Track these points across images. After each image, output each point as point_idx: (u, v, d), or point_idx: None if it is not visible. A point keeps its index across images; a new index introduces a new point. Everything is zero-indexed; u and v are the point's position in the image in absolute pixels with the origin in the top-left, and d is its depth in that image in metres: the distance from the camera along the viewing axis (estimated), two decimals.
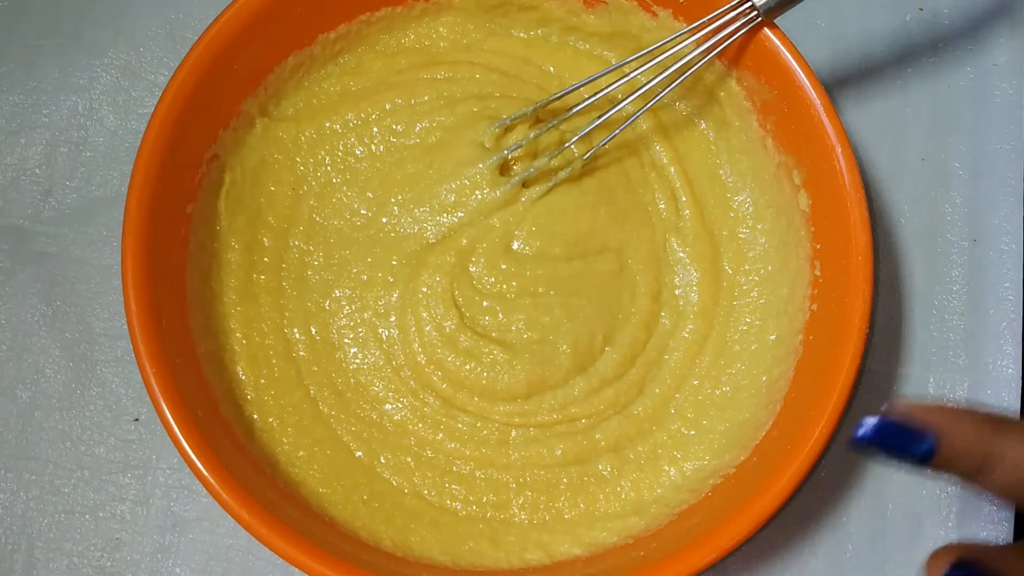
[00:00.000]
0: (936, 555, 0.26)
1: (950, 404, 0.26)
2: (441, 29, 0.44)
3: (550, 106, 0.42)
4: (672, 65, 0.39)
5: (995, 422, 0.26)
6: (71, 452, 0.42)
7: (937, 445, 0.25)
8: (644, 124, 0.43)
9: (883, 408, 0.26)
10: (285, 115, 0.43)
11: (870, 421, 0.25)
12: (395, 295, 0.41)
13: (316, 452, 0.40)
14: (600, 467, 0.40)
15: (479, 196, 0.42)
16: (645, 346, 0.42)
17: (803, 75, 0.39)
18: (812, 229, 0.40)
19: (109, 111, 0.46)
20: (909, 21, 0.47)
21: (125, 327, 0.37)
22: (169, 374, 0.36)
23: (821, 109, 0.38)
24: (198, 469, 0.35)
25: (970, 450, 0.25)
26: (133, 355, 0.36)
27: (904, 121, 0.46)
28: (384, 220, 0.43)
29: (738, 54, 0.41)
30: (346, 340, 0.42)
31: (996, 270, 0.44)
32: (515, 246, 0.42)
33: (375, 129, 0.43)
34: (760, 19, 0.38)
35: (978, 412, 0.26)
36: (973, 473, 0.25)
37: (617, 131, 0.41)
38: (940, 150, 0.46)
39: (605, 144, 0.42)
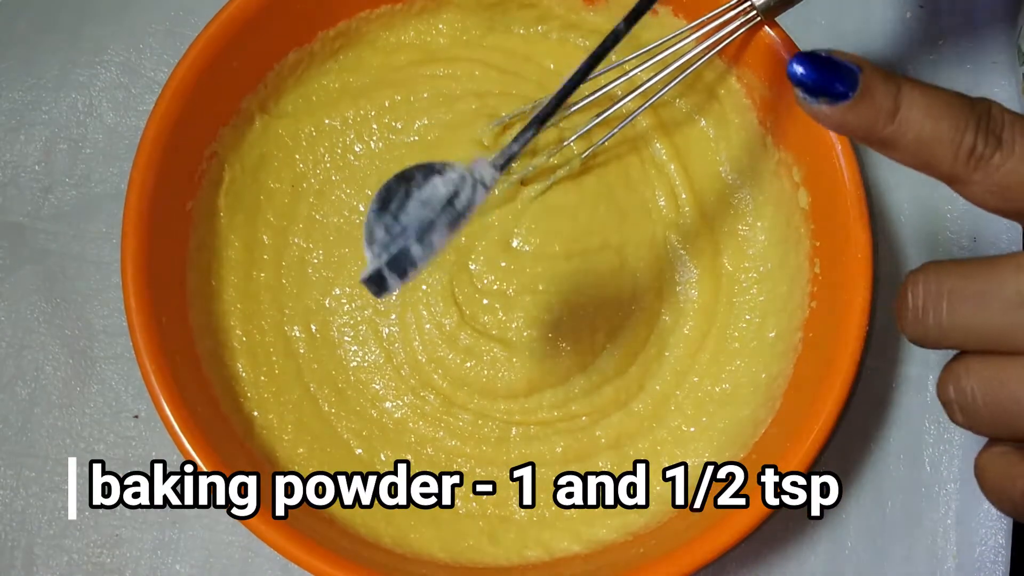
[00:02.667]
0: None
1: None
2: (440, 26, 0.44)
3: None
4: (672, 63, 0.39)
5: (906, 77, 0.27)
6: (71, 449, 0.42)
7: (859, 80, 0.26)
8: (644, 121, 0.43)
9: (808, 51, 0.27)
10: (285, 112, 0.43)
11: (803, 61, 0.27)
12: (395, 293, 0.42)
13: (316, 449, 0.40)
14: (600, 464, 0.40)
15: None
16: (646, 343, 0.42)
17: None
18: (812, 226, 0.40)
19: (109, 108, 0.46)
20: (909, 18, 0.47)
21: (125, 324, 0.37)
22: (169, 371, 0.36)
23: None
24: (198, 466, 0.35)
25: (886, 89, 0.26)
26: (133, 352, 0.36)
27: None
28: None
29: (738, 52, 0.41)
30: (346, 338, 0.42)
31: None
32: (514, 244, 0.42)
33: (374, 126, 0.43)
34: (760, 18, 0.38)
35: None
36: (885, 119, 0.27)
37: (617, 128, 0.41)
38: None
39: (605, 142, 0.42)
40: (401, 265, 0.28)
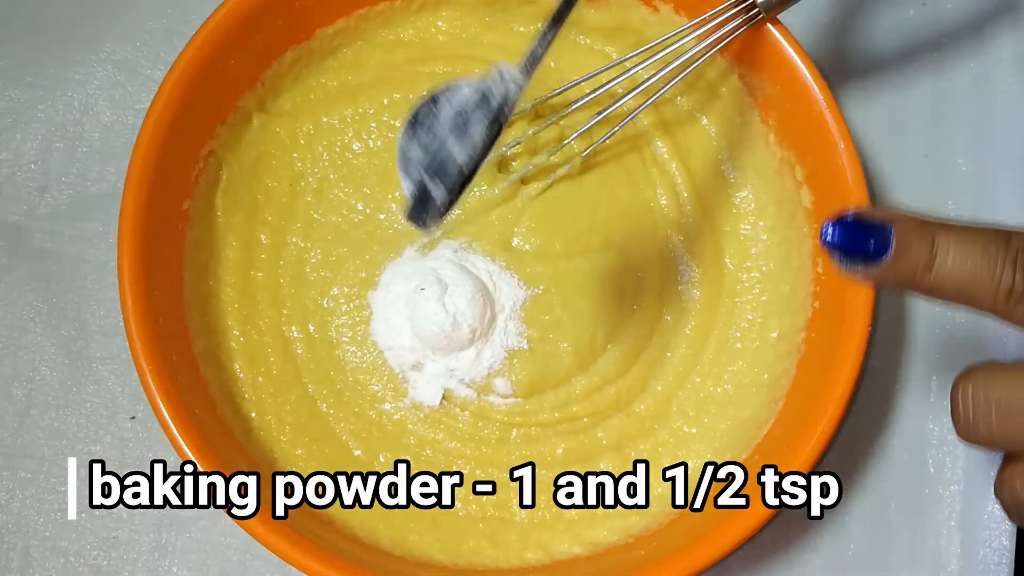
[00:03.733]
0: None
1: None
2: (440, 23, 0.44)
3: (550, 102, 0.42)
4: (674, 61, 0.39)
5: (936, 222, 0.27)
6: (67, 450, 0.42)
7: (891, 238, 0.27)
8: (645, 120, 0.43)
9: (836, 214, 0.28)
10: (283, 110, 0.43)
11: (833, 226, 0.27)
12: None
13: (314, 450, 0.40)
14: (602, 465, 0.40)
15: (477, 193, 0.42)
16: (647, 343, 0.41)
17: (806, 71, 0.38)
18: (815, 226, 0.40)
19: (105, 106, 0.46)
20: (912, 16, 0.47)
21: (121, 324, 0.36)
22: (166, 372, 0.36)
23: (824, 105, 0.38)
24: (196, 467, 0.35)
25: (920, 241, 0.27)
26: (129, 353, 0.36)
27: (907, 117, 0.46)
28: (382, 217, 0.42)
29: (740, 50, 0.40)
30: (344, 338, 0.41)
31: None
32: (515, 243, 0.42)
33: (373, 124, 0.43)
34: (762, 15, 0.38)
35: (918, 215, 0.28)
36: (923, 271, 0.27)
37: (618, 127, 0.40)
38: (943, 146, 0.46)
39: (606, 140, 0.41)
40: (445, 171, 0.25)
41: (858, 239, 0.27)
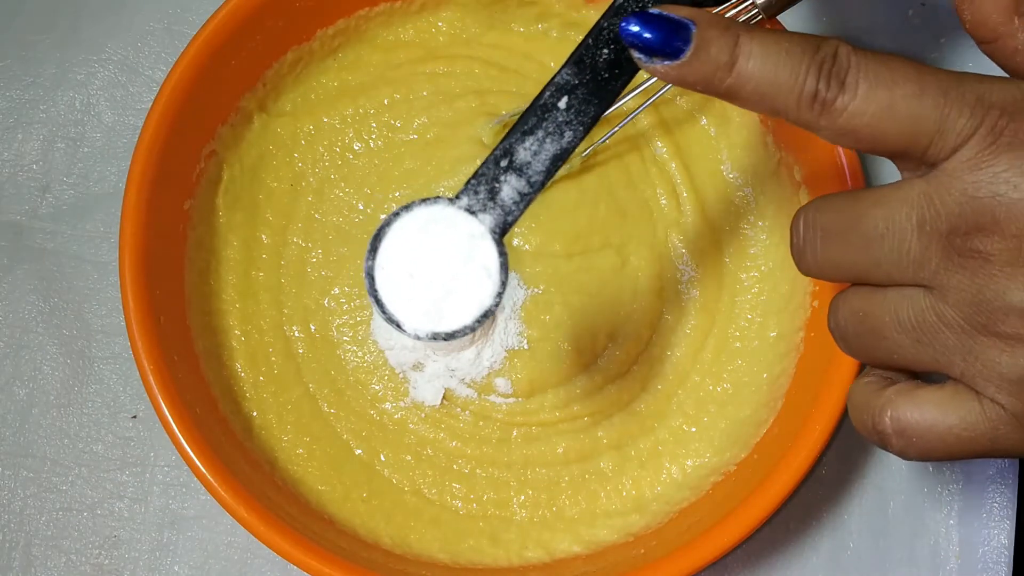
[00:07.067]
0: None
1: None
2: (440, 24, 0.44)
3: None
4: None
5: (744, 25, 0.27)
6: (69, 449, 0.42)
7: (692, 35, 0.26)
8: (645, 120, 0.43)
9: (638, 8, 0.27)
10: (283, 111, 0.43)
11: (635, 19, 0.26)
12: None
13: (315, 449, 0.40)
14: (602, 465, 0.40)
15: None
16: (647, 342, 0.42)
17: None
18: None
19: (107, 107, 0.46)
20: (911, 16, 0.47)
21: (123, 324, 0.36)
22: (167, 371, 0.36)
23: None
24: (196, 467, 0.35)
25: (722, 40, 0.26)
26: (131, 352, 0.36)
27: None
28: (382, 216, 0.42)
29: None
30: (345, 338, 0.41)
31: None
32: (515, 243, 0.42)
33: (373, 124, 0.43)
34: (762, 16, 0.38)
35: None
36: (722, 71, 0.26)
37: (618, 127, 0.40)
38: None
39: (605, 140, 0.41)
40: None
41: (660, 35, 0.26)
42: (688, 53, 0.26)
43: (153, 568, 0.41)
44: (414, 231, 0.29)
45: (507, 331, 0.40)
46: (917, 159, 0.27)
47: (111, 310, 0.44)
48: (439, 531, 0.39)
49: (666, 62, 0.26)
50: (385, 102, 0.43)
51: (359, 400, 0.41)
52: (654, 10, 0.26)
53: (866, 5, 0.47)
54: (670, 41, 0.26)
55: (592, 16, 0.43)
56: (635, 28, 0.26)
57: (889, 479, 0.42)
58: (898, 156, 0.27)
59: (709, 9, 0.27)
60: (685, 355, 0.42)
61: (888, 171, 0.45)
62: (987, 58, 0.47)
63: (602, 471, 0.40)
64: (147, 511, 0.42)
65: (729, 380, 0.41)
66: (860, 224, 0.27)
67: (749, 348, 0.41)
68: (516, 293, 0.41)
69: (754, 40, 0.26)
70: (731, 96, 0.27)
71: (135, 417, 0.43)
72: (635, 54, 0.27)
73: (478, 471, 0.40)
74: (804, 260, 0.28)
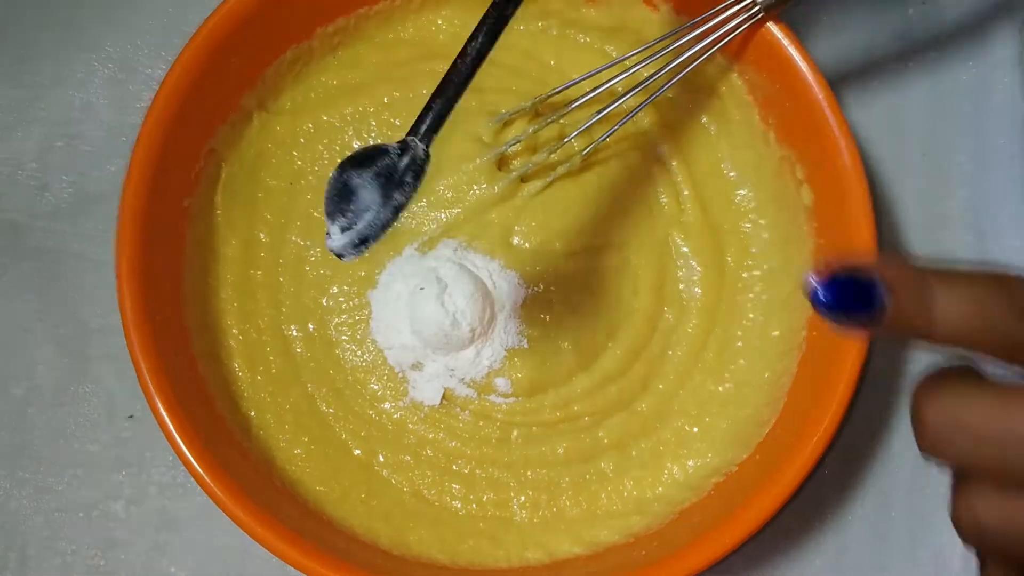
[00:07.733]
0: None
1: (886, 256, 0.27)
2: (439, 22, 0.44)
3: (550, 100, 0.42)
4: (674, 59, 0.39)
5: (930, 269, 0.26)
6: (65, 449, 0.42)
7: (884, 294, 0.25)
8: (645, 118, 0.43)
9: (822, 270, 0.26)
10: (283, 109, 0.43)
11: (824, 287, 0.25)
12: None
13: (314, 450, 0.40)
14: (602, 465, 0.40)
15: (477, 191, 0.42)
16: (648, 342, 0.41)
17: (806, 69, 0.38)
18: (815, 224, 0.39)
19: (105, 105, 0.46)
20: (912, 15, 0.47)
21: (120, 323, 0.36)
22: (164, 371, 0.36)
23: (824, 104, 0.38)
24: (193, 467, 0.35)
25: (915, 294, 0.25)
26: (127, 351, 0.36)
27: (907, 115, 0.46)
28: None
29: (740, 48, 0.40)
30: (344, 337, 0.41)
31: (1001, 265, 0.44)
32: (515, 241, 0.41)
33: (373, 123, 0.43)
34: (762, 14, 0.38)
35: (913, 262, 0.27)
36: (922, 326, 0.26)
37: (618, 125, 0.40)
38: (943, 145, 0.45)
39: (606, 138, 0.41)
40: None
41: (850, 300, 0.25)
42: (883, 314, 0.25)
43: (150, 569, 0.41)
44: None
45: (507, 330, 0.40)
46: None
47: (108, 309, 0.43)
48: (438, 532, 0.39)
49: (861, 323, 0.26)
50: (385, 100, 0.43)
51: (358, 400, 0.41)
52: (841, 274, 0.26)
53: (867, 2, 0.47)
54: (860, 305, 0.25)
55: (592, 15, 0.43)
56: (823, 296, 0.25)
57: (892, 480, 0.42)
58: None
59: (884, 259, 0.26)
60: (686, 354, 0.41)
61: (887, 172, 0.45)
62: (987, 58, 0.47)
63: (603, 471, 0.40)
64: (144, 512, 0.41)
65: (731, 380, 0.41)
66: (1017, 429, 0.25)
67: (751, 347, 0.41)
68: (516, 292, 0.41)
69: (945, 286, 0.25)
70: (931, 340, 0.26)
71: (132, 417, 0.42)
72: (826, 319, 0.26)
73: (478, 471, 0.40)
74: (944, 455, 0.27)
